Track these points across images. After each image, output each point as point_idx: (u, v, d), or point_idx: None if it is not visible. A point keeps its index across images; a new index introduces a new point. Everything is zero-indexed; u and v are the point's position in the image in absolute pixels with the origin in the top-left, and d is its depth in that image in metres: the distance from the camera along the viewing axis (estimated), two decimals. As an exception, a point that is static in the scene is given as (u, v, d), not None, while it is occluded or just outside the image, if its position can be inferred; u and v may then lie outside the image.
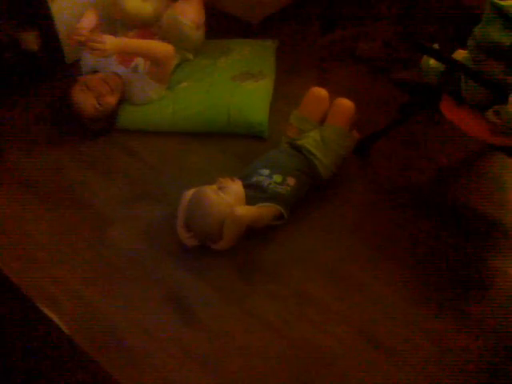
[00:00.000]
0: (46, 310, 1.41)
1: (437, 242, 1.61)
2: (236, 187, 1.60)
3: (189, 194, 1.64)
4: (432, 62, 1.52)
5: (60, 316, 1.44)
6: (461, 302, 1.47)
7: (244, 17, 2.43)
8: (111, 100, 1.95)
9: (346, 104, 1.77)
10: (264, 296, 1.49)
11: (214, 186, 1.60)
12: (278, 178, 1.65)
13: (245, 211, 1.54)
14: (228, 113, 1.96)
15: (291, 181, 1.65)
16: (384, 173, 1.83)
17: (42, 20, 2.14)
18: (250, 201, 1.61)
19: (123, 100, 2.03)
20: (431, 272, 1.54)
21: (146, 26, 2.18)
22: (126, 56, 2.05)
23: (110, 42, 1.85)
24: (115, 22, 2.21)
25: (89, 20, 1.98)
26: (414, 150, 1.89)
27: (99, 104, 1.91)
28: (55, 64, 2.25)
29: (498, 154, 1.54)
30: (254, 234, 1.61)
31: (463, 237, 1.62)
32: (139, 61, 2.05)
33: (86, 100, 1.89)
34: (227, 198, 1.56)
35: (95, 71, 2.03)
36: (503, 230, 1.66)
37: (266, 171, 1.67)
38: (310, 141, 1.74)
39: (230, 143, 1.96)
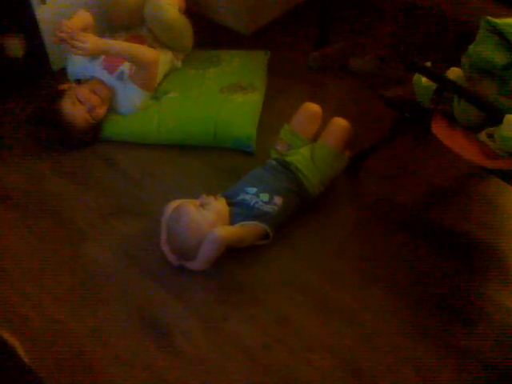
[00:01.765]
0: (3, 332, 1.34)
1: (427, 268, 1.54)
2: (219, 205, 1.53)
3: (172, 205, 1.57)
4: (424, 80, 1.46)
5: (24, 334, 1.37)
6: (450, 333, 1.39)
7: (236, 27, 2.39)
8: (102, 112, 1.91)
9: (342, 124, 1.71)
10: (243, 320, 1.42)
11: (197, 202, 1.54)
12: (264, 196, 1.58)
13: (225, 232, 1.47)
14: (215, 126, 1.90)
15: (278, 200, 1.59)
16: (373, 193, 1.77)
17: (27, 25, 2.08)
18: (234, 218, 1.54)
19: (109, 109, 1.97)
20: (420, 300, 1.46)
21: (133, 27, 2.13)
22: (111, 62, 2.00)
23: (92, 41, 1.80)
24: (105, 24, 2.16)
25: (79, 19, 1.92)
26: (404, 170, 1.83)
27: (91, 117, 1.87)
28: (41, 71, 2.19)
29: (490, 175, 1.48)
30: (236, 254, 1.54)
31: (455, 263, 1.55)
32: (125, 68, 1.99)
33: (77, 113, 1.85)
34: (209, 215, 1.50)
35: (78, 80, 1.97)
36: (496, 257, 1.59)
37: (253, 189, 1.60)
38: (299, 158, 1.68)
39: (217, 158, 1.89)
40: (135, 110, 1.98)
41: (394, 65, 2.17)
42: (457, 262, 1.55)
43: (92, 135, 1.92)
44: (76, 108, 1.85)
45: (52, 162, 1.88)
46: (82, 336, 1.39)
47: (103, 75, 1.98)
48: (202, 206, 1.51)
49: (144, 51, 1.93)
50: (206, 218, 1.48)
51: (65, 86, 1.92)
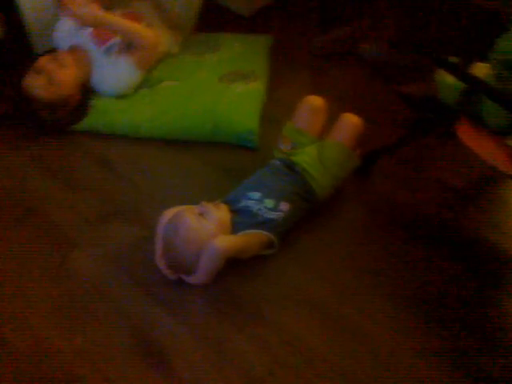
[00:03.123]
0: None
1: (443, 280, 1.42)
2: (220, 214, 1.39)
3: (167, 215, 1.43)
4: (449, 78, 1.32)
5: (7, 356, 1.25)
6: (468, 350, 1.29)
7: (235, 8, 2.21)
8: (63, 75, 1.74)
9: (353, 121, 1.57)
10: (247, 340, 1.30)
11: (196, 210, 1.39)
12: (269, 202, 1.45)
13: (227, 243, 1.34)
14: (213, 119, 1.75)
15: (285, 206, 1.45)
16: (385, 196, 1.64)
17: (6, 5, 1.90)
18: (236, 227, 1.40)
19: (89, 85, 1.82)
20: (436, 315, 1.35)
21: (133, 2, 1.97)
22: (102, 35, 1.83)
23: (91, 10, 1.70)
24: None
25: None
26: (420, 172, 1.69)
27: (50, 83, 1.71)
28: (22, 54, 2.01)
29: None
30: (238, 266, 1.41)
31: (473, 274, 1.44)
32: (116, 42, 1.83)
33: (34, 83, 1.71)
34: (209, 225, 1.36)
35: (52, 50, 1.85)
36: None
37: (257, 195, 1.46)
38: (306, 158, 1.55)
39: (216, 154, 1.75)
40: (122, 89, 1.82)
41: (406, 52, 2.02)
42: (475, 272, 1.44)
43: (66, 114, 1.77)
44: (33, 79, 1.71)
45: (33, 158, 1.72)
46: (70, 357, 1.26)
47: (89, 46, 1.84)
48: (202, 214, 1.38)
49: (144, 34, 1.81)
50: (206, 229, 1.35)
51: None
